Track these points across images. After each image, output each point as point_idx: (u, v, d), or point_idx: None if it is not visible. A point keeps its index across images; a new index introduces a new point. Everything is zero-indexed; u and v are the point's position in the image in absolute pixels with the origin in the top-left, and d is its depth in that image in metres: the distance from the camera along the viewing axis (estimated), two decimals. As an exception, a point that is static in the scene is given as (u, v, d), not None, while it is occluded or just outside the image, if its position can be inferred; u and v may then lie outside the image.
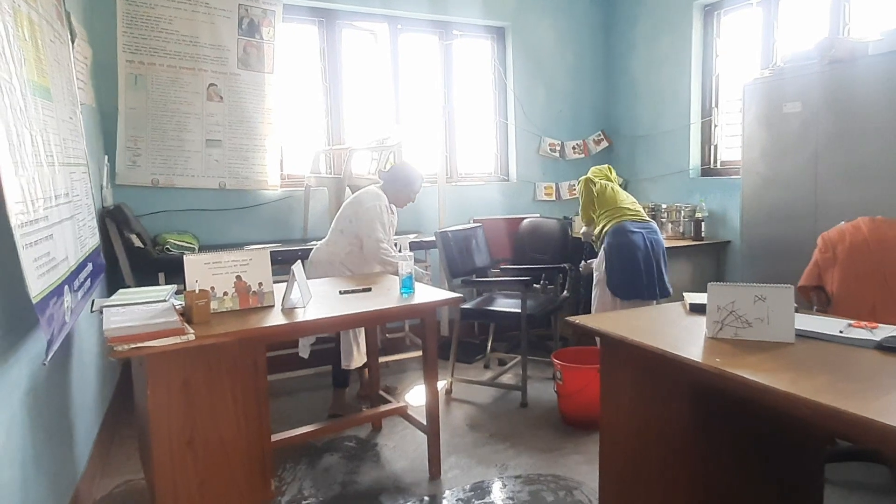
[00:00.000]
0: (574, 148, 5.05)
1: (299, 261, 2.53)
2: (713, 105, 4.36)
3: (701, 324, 1.91)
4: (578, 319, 2.05)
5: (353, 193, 4.01)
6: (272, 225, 4.07)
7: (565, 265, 4.13)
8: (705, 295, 2.21)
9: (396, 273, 2.63)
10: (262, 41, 3.94)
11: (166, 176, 3.75)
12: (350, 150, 3.93)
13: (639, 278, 3.27)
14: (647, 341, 1.80)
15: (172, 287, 2.46)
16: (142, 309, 2.10)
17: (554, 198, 5.00)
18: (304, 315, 2.22)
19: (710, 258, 4.16)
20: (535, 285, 4.35)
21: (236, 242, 3.87)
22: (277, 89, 4.03)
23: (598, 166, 3.85)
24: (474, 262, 3.93)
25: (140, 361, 2.00)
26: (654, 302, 3.33)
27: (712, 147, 4.41)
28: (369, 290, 2.64)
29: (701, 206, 4.19)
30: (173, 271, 3.17)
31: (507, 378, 3.81)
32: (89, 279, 2.26)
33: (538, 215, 4.91)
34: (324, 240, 3.30)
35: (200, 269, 2.23)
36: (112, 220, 3.26)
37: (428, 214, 4.49)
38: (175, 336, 1.89)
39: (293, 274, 2.33)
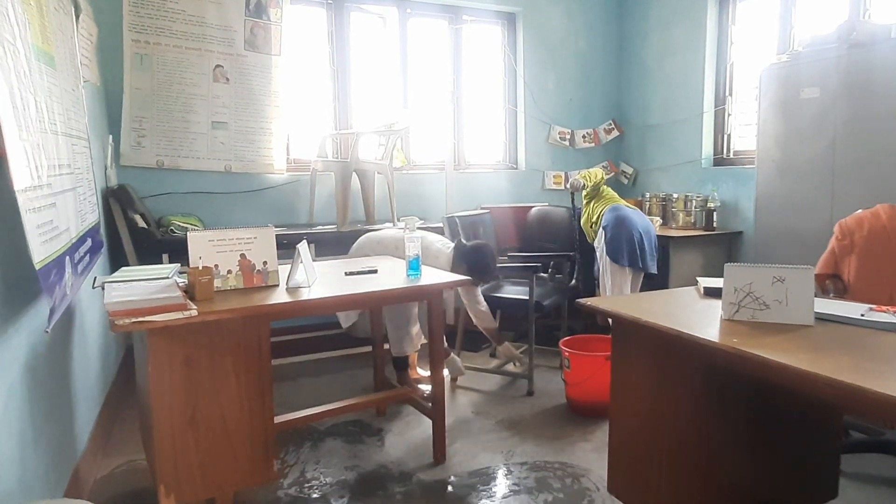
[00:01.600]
0: (584, 137, 4.98)
1: (305, 240, 2.48)
2: (727, 94, 4.29)
3: (716, 307, 1.86)
4: (590, 301, 1.99)
5: (359, 179, 4.01)
6: (278, 209, 4.03)
7: (574, 254, 4.08)
8: (719, 280, 2.16)
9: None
10: (270, 23, 3.89)
11: (171, 157, 3.71)
12: (357, 134, 3.88)
13: (632, 245, 3.39)
14: (660, 322, 1.74)
15: (175, 266, 2.42)
16: (144, 285, 2.06)
17: (563, 187, 4.94)
18: (308, 294, 2.18)
19: (722, 249, 4.09)
20: (542, 274, 4.31)
21: (241, 226, 3.81)
22: (284, 72, 3.98)
23: (597, 181, 3.85)
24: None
25: (141, 337, 1.97)
26: (643, 274, 3.55)
27: (725, 136, 4.33)
28: (375, 271, 2.59)
29: (713, 196, 4.12)
30: (177, 253, 3.13)
31: (514, 366, 3.77)
32: (88, 255, 2.22)
33: (546, 204, 4.83)
34: (378, 235, 3.24)
35: (204, 246, 2.19)
36: (116, 200, 3.23)
37: (434, 202, 4.44)
38: (177, 311, 1.85)
39: (298, 253, 2.29)
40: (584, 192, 3.82)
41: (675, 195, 4.32)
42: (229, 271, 2.23)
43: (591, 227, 3.71)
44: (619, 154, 5.11)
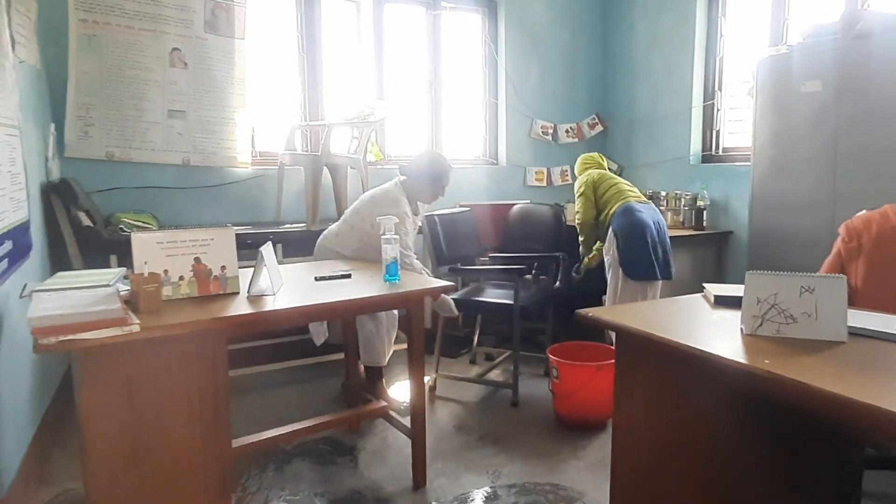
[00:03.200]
0: (567, 131, 4.78)
1: (269, 242, 2.21)
2: (716, 88, 4.13)
3: (731, 319, 1.67)
4: (592, 313, 1.77)
5: (331, 174, 3.73)
6: (241, 206, 3.73)
7: (559, 254, 3.88)
8: (729, 287, 1.97)
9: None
10: (233, 3, 3.59)
11: (122, 149, 3.39)
12: (329, 126, 3.61)
13: (648, 256, 3.08)
14: (674, 337, 1.53)
15: (121, 270, 2.13)
16: (79, 295, 1.78)
17: (545, 183, 4.74)
18: (272, 304, 1.91)
19: (711, 249, 3.94)
20: (526, 276, 4.10)
21: (201, 224, 3.52)
22: (249, 57, 3.68)
23: (588, 154, 3.65)
24: (462, 249, 3.66)
25: (74, 357, 1.69)
26: (659, 283, 3.21)
27: (714, 132, 4.17)
28: (349, 275, 2.34)
29: (703, 195, 3.96)
30: (126, 254, 2.73)
31: (496, 375, 3.55)
32: (6, 259, 1.92)
33: (528, 201, 4.63)
34: (333, 227, 3.06)
35: (151, 249, 1.91)
36: (57, 195, 2.91)
37: (412, 198, 4.18)
38: (115, 327, 1.58)
39: (262, 257, 2.03)
40: (577, 173, 3.58)
41: (663, 192, 4.14)
42: (181, 278, 1.96)
43: (598, 221, 3.36)
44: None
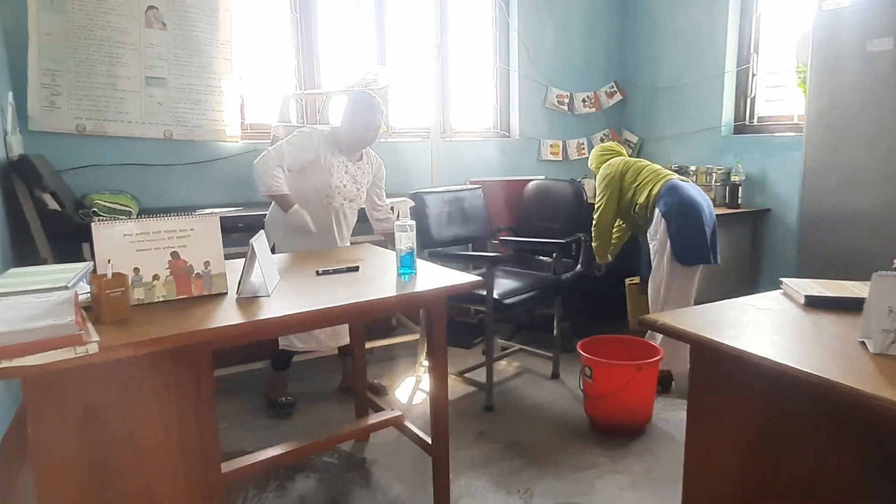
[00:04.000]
0: (584, 101, 4.40)
1: (262, 231, 1.87)
2: (752, 51, 3.75)
3: (832, 326, 1.37)
4: (663, 320, 1.44)
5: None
6: (231, 185, 3.36)
7: (580, 235, 3.54)
8: (808, 283, 1.64)
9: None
10: (216, -45, 3.17)
11: (95, 121, 3.00)
12: (327, 94, 3.23)
13: (703, 238, 2.73)
14: (776, 357, 1.21)
15: (86, 266, 1.78)
16: (26, 303, 1.43)
17: (560, 157, 4.38)
18: (268, 309, 1.57)
19: (746, 229, 3.61)
20: (542, 257, 3.77)
21: (186, 205, 3.16)
22: (235, 17, 3.28)
23: (605, 145, 3.29)
24: (462, 230, 3.37)
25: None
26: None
27: (749, 100, 3.81)
28: (356, 268, 2.00)
29: (737, 169, 3.61)
30: None
31: (505, 368, 3.25)
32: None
33: (543, 177, 4.28)
34: None
35: (117, 244, 1.57)
36: (18, 175, 2.54)
37: (418, 175, 3.83)
38: (67, 347, 1.24)
39: (253, 251, 1.68)
40: (593, 167, 3.24)
41: (692, 167, 3.79)
42: (155, 277, 1.61)
43: (633, 211, 2.96)
44: (622, 120, 4.56)
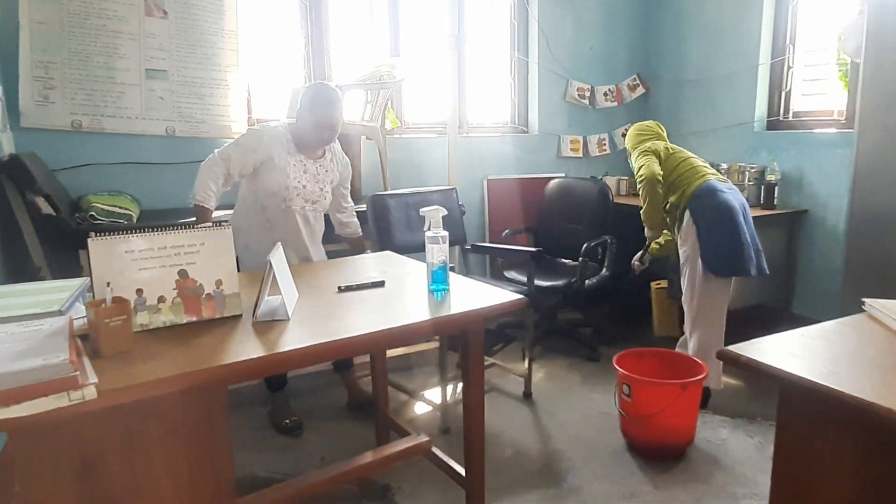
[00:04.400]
0: (606, 94, 4.19)
1: (279, 244, 1.67)
2: (788, 42, 3.54)
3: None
4: (746, 355, 1.25)
5: (341, 144, 3.16)
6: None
7: (605, 237, 3.36)
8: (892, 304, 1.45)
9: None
10: (221, -62, 2.96)
11: (92, 117, 2.80)
12: (340, 88, 3.01)
13: (738, 247, 2.51)
14: (883, 401, 1.02)
15: (82, 282, 1.58)
16: (14, 333, 1.24)
17: (581, 154, 4.18)
18: (290, 335, 1.38)
19: (782, 231, 3.41)
20: (565, 260, 3.58)
21: (188, 206, 2.95)
22: (242, 5, 3.07)
23: (643, 123, 3.01)
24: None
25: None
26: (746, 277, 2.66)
27: (783, 94, 3.60)
28: (382, 283, 1.81)
29: (772, 167, 3.41)
30: None
31: (535, 379, 3.06)
32: None
33: (563, 175, 4.09)
34: None
35: (117, 261, 1.37)
36: (9, 176, 2.34)
37: (433, 173, 3.63)
38: (60, 393, 1.05)
39: (271, 267, 1.49)
40: (629, 146, 2.94)
41: (724, 165, 3.59)
42: (161, 300, 1.42)
43: (664, 209, 2.72)
44: (644, 115, 4.33)
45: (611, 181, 4.10)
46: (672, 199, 2.65)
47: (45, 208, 2.34)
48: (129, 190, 2.86)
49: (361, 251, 2.61)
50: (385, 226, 2.99)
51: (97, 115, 2.81)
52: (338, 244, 2.90)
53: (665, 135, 2.97)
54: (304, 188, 2.35)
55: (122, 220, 2.54)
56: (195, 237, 1.46)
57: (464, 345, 1.68)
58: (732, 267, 2.52)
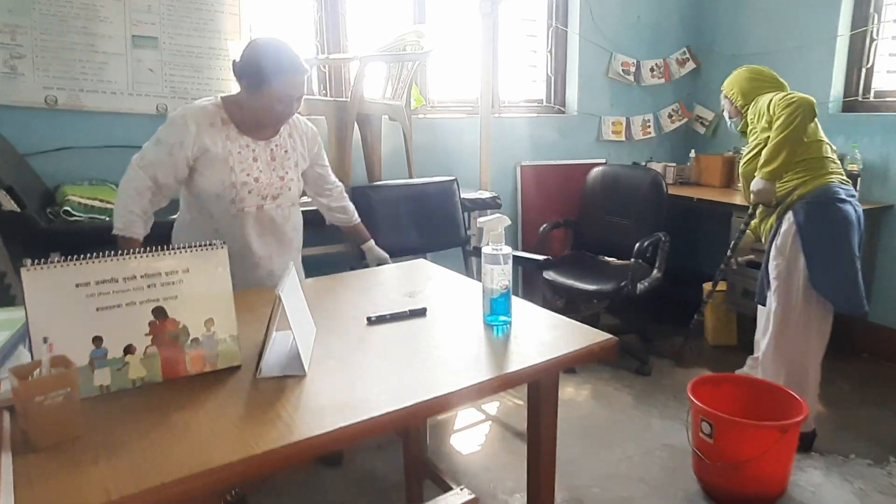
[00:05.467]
0: (653, 70, 3.74)
1: (292, 263, 1.27)
2: (872, 10, 3.07)
3: None
4: None
5: (359, 127, 2.73)
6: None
7: (659, 235, 2.94)
8: None
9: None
10: None
11: (69, 92, 2.38)
12: (360, 59, 2.58)
13: (855, 274, 2.09)
14: None
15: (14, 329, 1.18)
16: None
17: (623, 137, 3.73)
18: (309, 401, 0.99)
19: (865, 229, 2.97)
20: (609, 259, 3.18)
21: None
22: (244, -38, 2.63)
23: (754, 67, 2.45)
24: (429, 236, 2.62)
25: None
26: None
27: (864, 70, 3.14)
28: (423, 312, 1.40)
29: (854, 156, 2.97)
30: (77, 245, 1.86)
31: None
32: None
33: (604, 160, 3.65)
34: None
35: (64, 299, 0.98)
36: (-37, 164, 1.94)
37: (461, 158, 3.21)
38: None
39: (280, 302, 1.08)
40: (740, 90, 2.37)
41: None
42: (129, 350, 1.03)
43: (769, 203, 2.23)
44: (693, 93, 3.90)
45: (656, 167, 3.67)
46: (779, 187, 2.18)
47: (8, 204, 1.93)
48: (113, 178, 2.42)
49: (364, 240, 2.11)
50: (368, 225, 2.33)
51: (75, 90, 2.38)
52: (333, 245, 2.49)
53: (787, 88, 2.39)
54: (257, 182, 1.76)
55: (102, 217, 2.13)
56: (177, 261, 1.06)
57: (532, 399, 1.28)
58: (847, 295, 2.09)
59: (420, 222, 2.64)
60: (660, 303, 3.42)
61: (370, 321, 1.35)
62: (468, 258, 2.71)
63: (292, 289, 1.18)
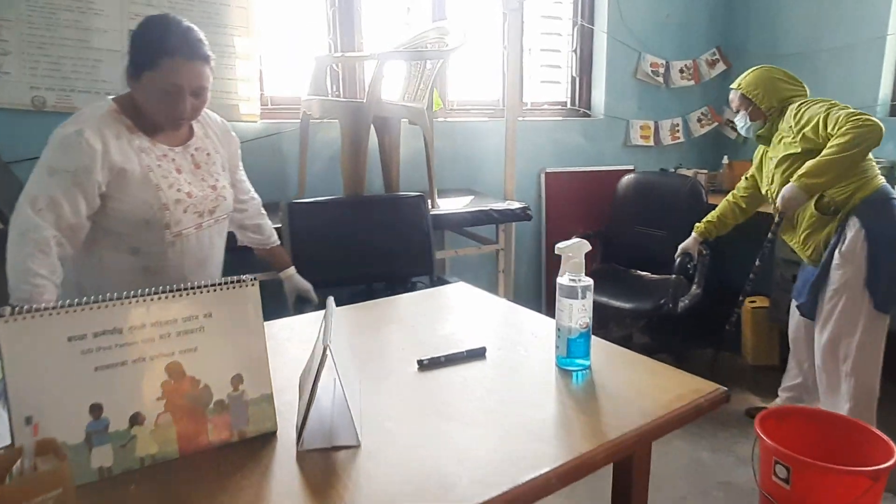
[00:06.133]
0: (682, 71, 3.53)
1: (331, 298, 1.04)
2: (923, 6, 2.88)
3: None
4: None
5: (376, 131, 2.51)
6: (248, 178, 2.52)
7: (700, 247, 2.72)
8: None
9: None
10: None
11: (59, 93, 2.15)
12: (378, 57, 2.36)
13: None
14: None
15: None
16: None
17: (652, 142, 3.53)
18: (370, 486, 0.76)
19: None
20: (646, 273, 2.97)
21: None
22: (253, -49, 2.41)
23: (775, 68, 2.24)
24: (382, 263, 2.22)
25: None
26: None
27: (914, 72, 2.96)
28: (482, 353, 1.18)
29: (906, 164, 2.78)
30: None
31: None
32: None
33: (632, 167, 3.45)
34: None
35: (53, 359, 0.75)
36: (-64, 173, 1.70)
37: (484, 165, 3.00)
38: None
39: (327, 353, 0.85)
40: (764, 92, 2.16)
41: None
42: (136, 420, 0.80)
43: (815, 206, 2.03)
44: (723, 97, 3.65)
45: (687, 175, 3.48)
46: (834, 193, 1.99)
47: (-12, 219, 1.70)
48: (110, 188, 2.21)
49: (282, 267, 1.77)
50: (305, 248, 2.07)
51: (66, 91, 2.15)
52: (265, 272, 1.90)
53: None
54: (191, 196, 1.40)
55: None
56: (197, 304, 0.83)
57: (622, 476, 1.05)
58: None
59: (374, 246, 2.20)
60: (694, 320, 3.22)
61: (421, 365, 1.13)
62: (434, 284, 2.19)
63: (334, 333, 0.95)
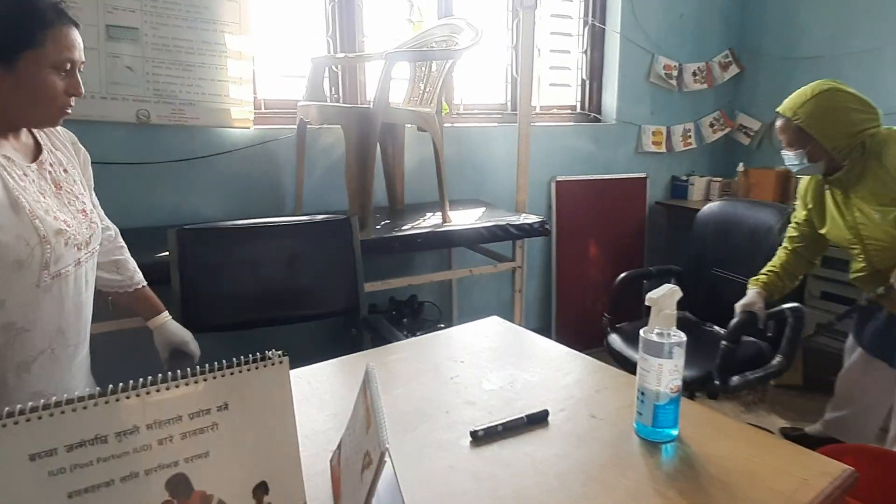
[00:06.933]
0: (695, 74, 3.37)
1: (371, 366, 0.82)
2: (953, 8, 2.75)
3: None
4: None
5: (379, 137, 2.29)
6: (238, 191, 2.30)
7: (785, 306, 1.89)
8: None
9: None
10: None
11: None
12: (386, 57, 2.14)
13: None
14: None
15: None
16: None
17: (664, 149, 3.36)
18: None
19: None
20: (717, 328, 2.30)
21: (169, 222, 2.05)
22: (246, -61, 2.17)
23: (840, 86, 1.72)
24: (287, 304, 1.80)
25: None
26: None
27: (942, 77, 2.82)
28: (544, 416, 0.98)
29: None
30: None
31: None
32: None
33: (644, 175, 3.28)
34: None
35: (14, 483, 0.52)
36: None
37: (492, 174, 2.80)
38: None
39: (384, 456, 0.64)
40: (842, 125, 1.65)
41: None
42: (127, 567, 0.58)
43: (855, 234, 1.71)
44: (735, 101, 3.54)
45: (699, 183, 3.32)
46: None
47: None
48: (85, 203, 1.96)
49: (153, 313, 1.38)
50: (197, 286, 1.67)
51: (34, 93, 1.90)
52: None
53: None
54: (69, 226, 1.06)
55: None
56: (209, 393, 0.62)
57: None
58: None
59: (286, 282, 1.79)
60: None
61: (475, 437, 0.93)
62: (362, 332, 1.83)
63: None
